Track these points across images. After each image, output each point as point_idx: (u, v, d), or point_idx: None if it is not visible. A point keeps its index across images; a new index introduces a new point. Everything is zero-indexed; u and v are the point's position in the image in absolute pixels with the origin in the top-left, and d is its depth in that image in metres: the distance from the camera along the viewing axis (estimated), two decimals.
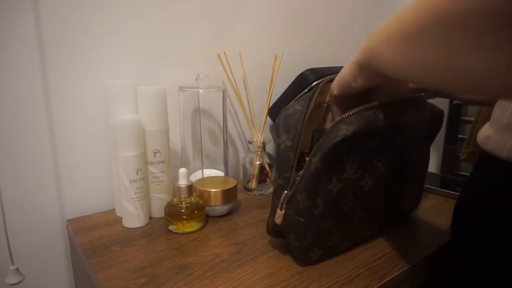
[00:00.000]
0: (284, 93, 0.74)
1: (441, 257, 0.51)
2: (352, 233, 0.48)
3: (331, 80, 0.47)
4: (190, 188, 0.54)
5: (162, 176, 0.57)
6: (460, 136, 0.96)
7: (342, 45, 0.96)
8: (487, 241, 0.40)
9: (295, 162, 0.42)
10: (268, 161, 0.71)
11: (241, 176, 0.80)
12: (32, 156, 0.56)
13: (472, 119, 0.90)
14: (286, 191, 0.43)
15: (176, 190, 0.54)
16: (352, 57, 0.37)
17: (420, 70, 0.25)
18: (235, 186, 0.59)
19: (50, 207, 0.59)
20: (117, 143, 0.52)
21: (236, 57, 0.75)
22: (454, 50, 0.20)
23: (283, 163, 0.43)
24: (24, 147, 0.56)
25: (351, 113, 0.40)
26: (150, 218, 0.58)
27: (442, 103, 0.74)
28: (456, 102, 0.93)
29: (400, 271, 0.44)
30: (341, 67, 0.41)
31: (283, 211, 0.43)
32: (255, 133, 0.72)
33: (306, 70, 0.70)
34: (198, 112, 0.69)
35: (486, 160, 0.42)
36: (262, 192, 0.70)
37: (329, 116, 0.51)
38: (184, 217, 0.53)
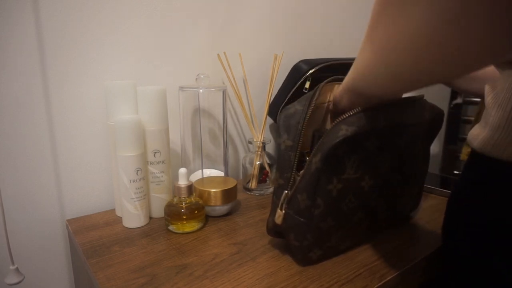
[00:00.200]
0: (281, 87, 0.75)
1: (441, 257, 0.51)
2: (352, 233, 0.48)
3: (332, 80, 0.47)
4: (190, 188, 0.54)
5: (162, 176, 0.57)
6: (460, 136, 0.96)
7: (342, 45, 0.96)
8: (479, 240, 0.40)
9: (296, 162, 0.42)
10: (268, 161, 0.71)
11: (241, 176, 0.80)
12: (32, 156, 0.56)
13: (472, 119, 0.90)
14: (286, 191, 0.43)
15: (176, 190, 0.54)
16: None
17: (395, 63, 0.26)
18: (235, 186, 0.59)
19: (50, 207, 0.59)
20: (117, 143, 0.52)
21: (236, 57, 0.75)
22: (420, 23, 0.21)
23: (284, 163, 0.43)
24: (24, 147, 0.56)
25: (351, 113, 0.40)
26: (150, 218, 0.58)
27: (442, 103, 0.74)
28: (456, 102, 0.93)
29: (400, 271, 0.44)
30: (333, 58, 0.42)
31: (283, 211, 0.43)
32: (255, 133, 0.72)
33: (299, 61, 0.72)
34: (198, 112, 0.69)
35: (477, 159, 0.43)
36: (262, 192, 0.70)
37: (329, 116, 0.51)
38: (184, 217, 0.53)
